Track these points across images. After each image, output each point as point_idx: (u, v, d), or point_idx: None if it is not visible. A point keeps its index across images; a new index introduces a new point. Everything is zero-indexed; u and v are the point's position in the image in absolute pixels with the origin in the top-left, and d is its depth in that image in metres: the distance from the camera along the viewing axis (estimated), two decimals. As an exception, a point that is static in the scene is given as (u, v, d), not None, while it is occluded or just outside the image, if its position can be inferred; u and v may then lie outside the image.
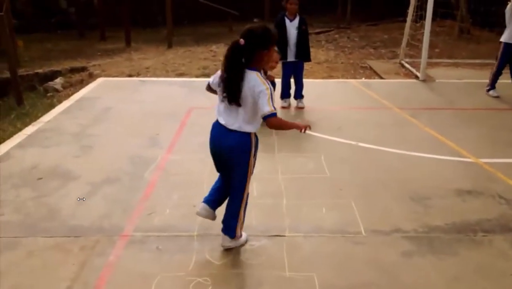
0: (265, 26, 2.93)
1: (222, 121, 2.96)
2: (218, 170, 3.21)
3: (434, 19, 9.47)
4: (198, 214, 3.24)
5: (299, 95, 6.47)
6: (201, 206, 3.22)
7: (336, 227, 3.55)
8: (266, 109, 2.80)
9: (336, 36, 12.59)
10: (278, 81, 6.20)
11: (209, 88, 3.13)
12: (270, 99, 2.80)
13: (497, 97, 6.90)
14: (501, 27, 10.09)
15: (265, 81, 2.85)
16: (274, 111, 2.83)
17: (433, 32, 11.79)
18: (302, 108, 6.39)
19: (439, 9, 9.17)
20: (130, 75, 8.52)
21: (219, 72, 2.98)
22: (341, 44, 11.47)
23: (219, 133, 2.99)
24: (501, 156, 4.86)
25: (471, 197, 4.05)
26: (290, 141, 5.19)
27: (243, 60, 2.82)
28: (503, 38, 6.83)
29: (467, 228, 3.57)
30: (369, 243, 3.36)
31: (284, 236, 3.41)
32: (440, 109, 6.42)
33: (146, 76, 8.50)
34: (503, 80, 7.18)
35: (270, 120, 2.84)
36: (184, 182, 4.21)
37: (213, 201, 3.23)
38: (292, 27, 6.10)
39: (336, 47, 11.11)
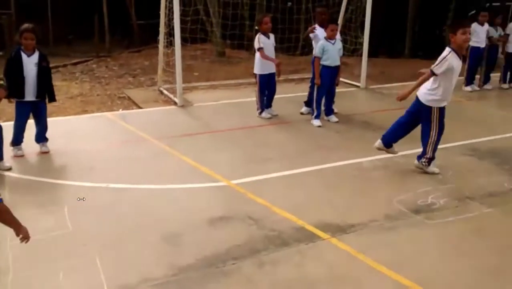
0: None
1: None
2: None
3: (193, 42, 9.80)
4: None
5: (42, 139, 5.79)
6: None
7: (74, 294, 3.12)
8: None
9: (94, 66, 12.06)
10: (6, 125, 5.42)
11: None
12: None
13: (271, 117, 7.28)
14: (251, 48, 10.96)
15: None
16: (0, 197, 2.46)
17: (192, 56, 12.32)
18: (46, 152, 5.73)
19: (189, 35, 9.55)
20: None
21: None
22: (97, 74, 11.00)
23: None
24: (251, 175, 5.13)
25: (222, 224, 4.10)
26: (26, 196, 4.54)
27: None
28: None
29: (217, 259, 3.56)
30: (112, 304, 3.03)
31: (3, 324, 2.84)
32: (197, 135, 6.55)
33: None
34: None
35: None
36: None
37: None
38: (30, 63, 5.47)
39: (92, 78, 10.60)
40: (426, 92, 4.99)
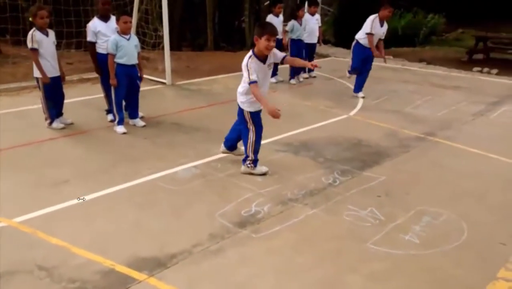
0: None
1: None
2: None
3: None
4: None
5: None
6: None
7: None
8: None
9: None
10: None
11: None
12: None
13: (64, 127, 6.21)
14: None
15: None
16: None
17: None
18: None
19: None
20: None
21: None
22: None
23: None
24: (41, 206, 4.13)
25: (0, 284, 3.10)
26: None
27: None
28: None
29: None
30: None
31: None
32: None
33: None
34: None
35: None
36: None
37: None
38: None
39: None
40: (238, 94, 4.82)
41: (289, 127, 6.48)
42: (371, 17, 8.00)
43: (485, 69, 11.92)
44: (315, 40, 9.95)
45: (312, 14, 9.89)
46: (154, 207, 4.24)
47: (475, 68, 12.00)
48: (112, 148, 5.64)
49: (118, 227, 3.88)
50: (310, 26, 9.81)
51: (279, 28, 9.52)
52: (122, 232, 3.80)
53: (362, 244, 3.73)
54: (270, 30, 4.57)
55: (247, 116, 4.81)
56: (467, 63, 13.02)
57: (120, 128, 6.12)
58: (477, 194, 4.69)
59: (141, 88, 6.64)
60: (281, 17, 9.64)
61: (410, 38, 16.30)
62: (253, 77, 4.53)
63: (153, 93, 8.21)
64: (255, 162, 4.96)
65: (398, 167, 5.32)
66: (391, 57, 13.27)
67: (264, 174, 4.93)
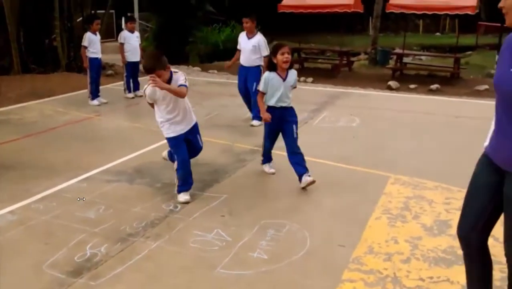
0: None
1: None
2: None
3: None
4: None
5: None
6: None
7: None
8: None
9: None
10: None
11: None
12: None
13: None
14: None
15: None
16: None
17: None
18: None
19: None
20: None
21: None
22: None
23: None
24: None
25: None
26: None
27: None
28: None
29: None
30: None
31: None
32: None
33: None
34: None
35: None
36: None
37: None
38: None
39: None
40: (160, 125, 4.81)
41: (119, 154, 6.13)
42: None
43: (302, 78, 12.94)
44: (138, 58, 9.67)
45: (131, 31, 9.62)
46: (-38, 270, 3.55)
47: (293, 78, 12.96)
48: None
49: None
50: (132, 44, 9.53)
51: (98, 46, 9.08)
52: None
53: (212, 271, 3.61)
54: (158, 66, 4.57)
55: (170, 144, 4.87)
56: (285, 73, 13.99)
57: None
58: (313, 200, 4.96)
59: None
60: (98, 35, 9.18)
61: (231, 52, 16.95)
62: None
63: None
64: (179, 187, 4.83)
65: (238, 182, 5.37)
66: (216, 71, 13.63)
67: (186, 203, 4.75)
